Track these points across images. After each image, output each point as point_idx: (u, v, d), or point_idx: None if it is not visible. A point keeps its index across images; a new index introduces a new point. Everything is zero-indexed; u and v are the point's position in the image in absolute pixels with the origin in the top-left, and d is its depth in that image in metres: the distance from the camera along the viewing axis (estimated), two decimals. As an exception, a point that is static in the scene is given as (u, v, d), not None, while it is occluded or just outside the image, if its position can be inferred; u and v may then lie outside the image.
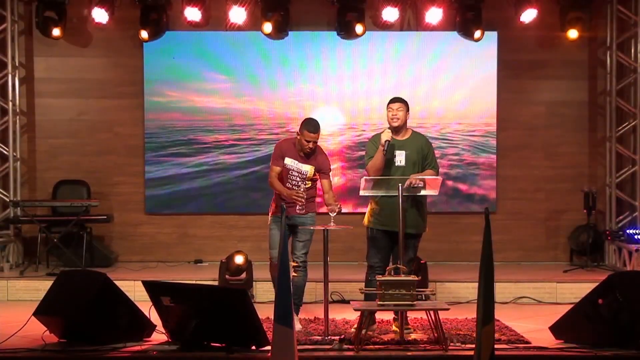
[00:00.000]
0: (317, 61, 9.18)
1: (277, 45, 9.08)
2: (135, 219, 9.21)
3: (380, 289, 5.29)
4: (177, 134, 9.19)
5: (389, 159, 5.85)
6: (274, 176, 6.16)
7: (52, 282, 5.84)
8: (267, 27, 8.72)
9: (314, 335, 5.73)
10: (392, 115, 5.89)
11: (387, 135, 5.77)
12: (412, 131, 6.06)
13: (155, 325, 5.65)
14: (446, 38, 9.11)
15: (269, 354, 4.65)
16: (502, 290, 7.39)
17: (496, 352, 4.52)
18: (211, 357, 5.20)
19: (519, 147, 9.24)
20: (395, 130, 5.90)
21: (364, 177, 5.78)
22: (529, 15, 8.76)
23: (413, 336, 5.69)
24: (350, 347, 5.36)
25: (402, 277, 5.31)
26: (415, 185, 5.67)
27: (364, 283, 6.00)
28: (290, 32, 8.95)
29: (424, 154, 5.94)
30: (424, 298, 6.29)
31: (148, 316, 5.59)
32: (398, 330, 5.62)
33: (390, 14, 8.79)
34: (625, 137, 9.07)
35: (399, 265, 5.41)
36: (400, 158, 5.88)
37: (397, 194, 5.62)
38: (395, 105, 5.91)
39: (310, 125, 6.02)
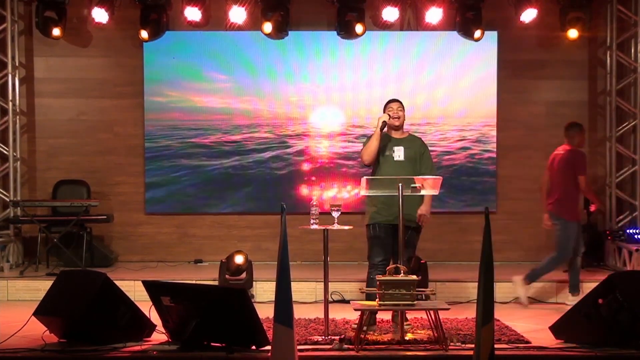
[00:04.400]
0: (317, 61, 9.19)
1: (277, 45, 9.08)
2: (135, 219, 9.21)
3: (380, 288, 5.29)
4: (177, 134, 9.18)
5: (388, 155, 6.04)
6: None
7: (52, 282, 5.83)
8: (267, 27, 8.72)
9: (314, 335, 5.73)
10: (394, 114, 6.10)
11: (384, 117, 6.04)
12: (409, 133, 6.30)
13: (155, 325, 5.64)
14: (446, 38, 9.12)
15: (269, 354, 4.65)
16: (502, 290, 7.38)
17: (496, 352, 4.52)
18: (211, 357, 5.19)
19: (519, 147, 9.23)
20: (395, 129, 6.13)
21: (365, 177, 5.79)
22: (529, 15, 8.75)
23: (413, 336, 5.69)
24: (350, 347, 5.35)
25: (402, 277, 5.30)
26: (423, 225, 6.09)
27: (364, 283, 6.10)
28: (290, 32, 8.95)
29: (420, 153, 6.13)
30: (424, 298, 6.28)
31: (148, 316, 5.58)
32: (399, 327, 5.63)
33: (390, 13, 8.79)
34: (625, 137, 9.07)
35: (399, 265, 5.41)
36: (399, 153, 6.07)
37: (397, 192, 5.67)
38: (395, 105, 6.15)
39: None
